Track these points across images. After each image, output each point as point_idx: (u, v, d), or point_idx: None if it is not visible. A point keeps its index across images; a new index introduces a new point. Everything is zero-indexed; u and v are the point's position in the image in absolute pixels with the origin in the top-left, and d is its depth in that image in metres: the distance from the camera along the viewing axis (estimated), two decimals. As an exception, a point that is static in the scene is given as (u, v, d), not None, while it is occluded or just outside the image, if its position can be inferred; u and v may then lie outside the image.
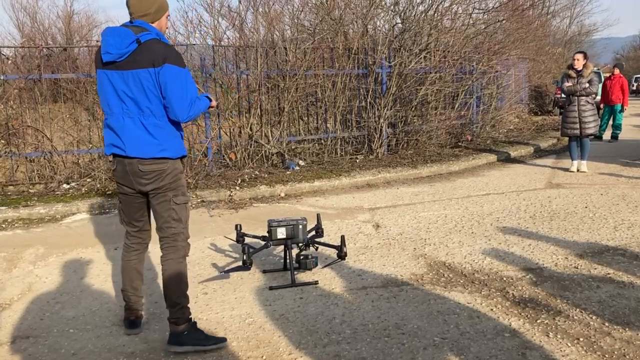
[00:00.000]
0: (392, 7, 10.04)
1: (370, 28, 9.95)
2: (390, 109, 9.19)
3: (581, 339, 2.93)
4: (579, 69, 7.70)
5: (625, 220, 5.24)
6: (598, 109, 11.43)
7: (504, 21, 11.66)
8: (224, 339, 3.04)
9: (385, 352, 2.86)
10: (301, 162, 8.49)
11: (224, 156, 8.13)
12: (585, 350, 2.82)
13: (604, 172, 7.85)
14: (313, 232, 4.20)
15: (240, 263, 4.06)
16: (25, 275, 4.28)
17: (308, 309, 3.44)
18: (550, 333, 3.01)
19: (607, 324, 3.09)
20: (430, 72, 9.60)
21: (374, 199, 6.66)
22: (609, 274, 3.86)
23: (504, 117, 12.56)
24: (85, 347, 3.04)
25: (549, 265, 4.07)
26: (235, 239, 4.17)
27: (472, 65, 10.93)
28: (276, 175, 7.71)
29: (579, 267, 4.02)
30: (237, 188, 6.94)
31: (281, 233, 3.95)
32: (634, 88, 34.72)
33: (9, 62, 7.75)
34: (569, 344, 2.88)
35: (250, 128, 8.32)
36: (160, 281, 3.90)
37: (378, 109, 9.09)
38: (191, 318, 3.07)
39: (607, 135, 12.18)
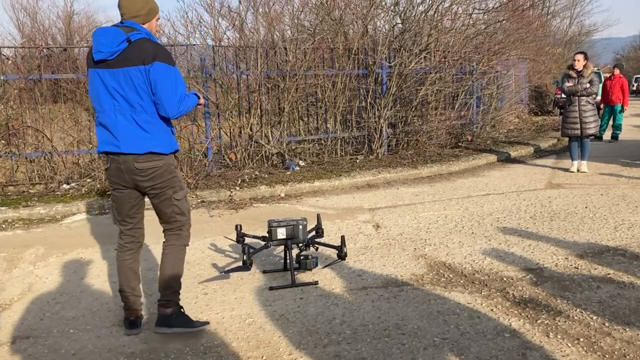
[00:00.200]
0: (392, 7, 10.04)
1: (370, 28, 9.96)
2: (391, 109, 9.19)
3: (581, 339, 2.93)
4: (579, 70, 7.70)
5: (626, 220, 5.24)
6: (598, 109, 11.43)
7: (504, 21, 11.66)
8: (207, 322, 3.27)
9: (386, 352, 2.86)
10: (301, 163, 8.49)
11: (224, 156, 8.13)
12: (586, 350, 2.81)
13: (604, 173, 7.85)
14: (313, 233, 4.20)
15: (240, 263, 4.06)
16: (26, 276, 4.28)
17: (308, 309, 3.44)
18: (551, 333, 3.01)
19: (607, 324, 3.09)
20: (431, 73, 9.60)
21: (374, 199, 6.66)
22: (609, 274, 3.86)
23: (504, 118, 12.56)
24: (85, 348, 3.04)
25: (549, 266, 4.07)
26: (235, 239, 4.16)
27: (472, 66, 10.93)
28: (276, 175, 7.71)
29: (579, 267, 4.02)
30: (237, 188, 6.94)
31: (281, 233, 3.95)
32: (634, 88, 34.74)
33: (9, 62, 7.75)
34: (569, 344, 2.88)
35: (251, 128, 8.32)
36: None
37: (378, 109, 9.09)
38: (180, 306, 3.20)
39: (607, 135, 12.18)
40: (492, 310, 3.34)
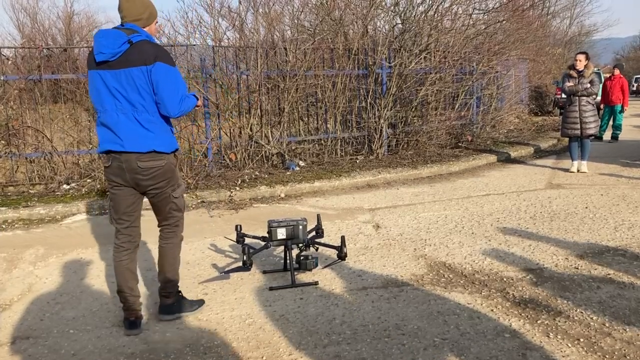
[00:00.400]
0: (392, 7, 10.04)
1: (370, 28, 9.96)
2: (391, 110, 9.19)
3: (581, 340, 2.93)
4: (580, 70, 7.70)
5: (626, 220, 5.24)
6: (598, 109, 11.44)
7: (504, 22, 11.66)
8: (203, 301, 3.53)
9: (386, 352, 2.86)
10: (301, 163, 8.49)
11: (224, 157, 8.13)
12: (586, 350, 2.81)
13: (604, 173, 7.85)
14: (313, 233, 4.20)
15: (240, 263, 4.06)
16: (25, 276, 4.28)
17: (308, 310, 3.44)
18: (551, 333, 3.01)
19: (607, 325, 3.09)
20: (431, 73, 9.60)
21: (374, 199, 6.66)
22: (609, 274, 3.86)
23: (504, 118, 12.56)
24: (85, 348, 3.04)
25: (550, 266, 4.07)
26: (235, 240, 4.16)
27: (472, 66, 10.93)
28: (276, 175, 7.71)
29: (579, 267, 4.02)
30: (237, 188, 6.94)
31: (281, 233, 3.95)
32: (634, 88, 34.75)
33: (9, 62, 7.75)
34: (570, 345, 2.88)
35: (251, 128, 8.32)
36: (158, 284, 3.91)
37: (378, 110, 9.09)
38: (179, 291, 3.41)
39: (607, 135, 12.18)
40: (492, 310, 3.34)
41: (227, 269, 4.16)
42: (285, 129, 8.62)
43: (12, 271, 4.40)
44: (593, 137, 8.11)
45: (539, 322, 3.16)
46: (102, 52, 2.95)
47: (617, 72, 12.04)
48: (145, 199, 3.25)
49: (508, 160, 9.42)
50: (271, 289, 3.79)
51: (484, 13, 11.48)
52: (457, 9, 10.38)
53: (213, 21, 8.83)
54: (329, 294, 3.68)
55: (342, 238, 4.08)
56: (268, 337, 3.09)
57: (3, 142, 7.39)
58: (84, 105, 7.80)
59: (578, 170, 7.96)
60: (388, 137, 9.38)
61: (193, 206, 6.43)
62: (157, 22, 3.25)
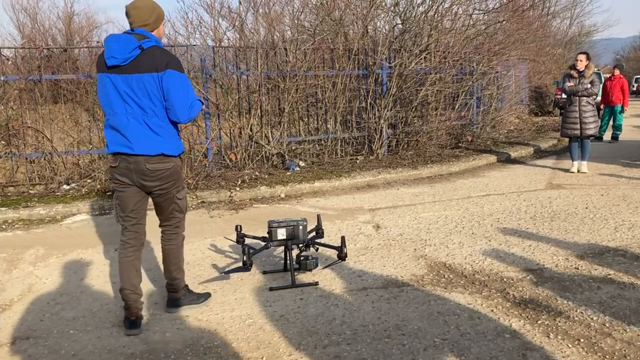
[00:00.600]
0: (392, 8, 10.04)
1: (370, 29, 9.96)
2: (391, 110, 9.19)
3: (582, 340, 2.93)
4: (581, 70, 7.70)
5: (626, 221, 5.24)
6: (598, 109, 11.43)
7: (504, 22, 11.66)
8: (209, 294, 3.64)
9: (386, 353, 2.85)
10: (301, 163, 8.49)
11: (224, 157, 8.13)
12: (586, 351, 2.81)
13: (605, 173, 7.85)
14: (313, 233, 4.20)
15: (240, 264, 4.06)
16: (26, 276, 4.28)
17: (308, 310, 3.44)
18: (551, 334, 3.01)
19: (607, 325, 3.09)
20: (431, 73, 9.60)
21: (374, 199, 6.66)
22: (609, 274, 3.86)
23: (504, 118, 12.56)
24: (85, 348, 3.04)
25: (550, 266, 4.07)
26: (235, 240, 4.16)
27: (473, 66, 10.93)
28: (276, 176, 7.71)
29: (579, 267, 4.02)
30: (237, 189, 6.93)
31: (281, 234, 3.95)
32: (634, 89, 34.76)
33: (10, 63, 7.75)
34: (570, 345, 2.88)
35: (251, 129, 8.32)
36: (160, 283, 3.92)
37: (378, 110, 9.09)
38: (186, 285, 3.54)
39: (607, 136, 12.18)
40: (492, 310, 3.33)
41: (227, 270, 4.16)
42: (285, 129, 8.62)
43: (12, 271, 4.40)
44: (593, 137, 8.11)
45: (539, 322, 3.16)
46: (114, 57, 3.02)
47: (617, 72, 12.04)
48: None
49: (508, 160, 9.42)
50: (271, 289, 3.79)
51: (484, 13, 11.49)
52: (457, 9, 10.39)
53: (213, 21, 8.85)
54: (329, 295, 3.68)
55: (342, 238, 4.08)
56: (268, 337, 3.09)
57: (3, 142, 7.39)
58: (84, 105, 7.80)
59: (578, 171, 7.96)
60: (388, 138, 9.38)
61: (193, 206, 6.43)
62: (164, 23, 3.34)
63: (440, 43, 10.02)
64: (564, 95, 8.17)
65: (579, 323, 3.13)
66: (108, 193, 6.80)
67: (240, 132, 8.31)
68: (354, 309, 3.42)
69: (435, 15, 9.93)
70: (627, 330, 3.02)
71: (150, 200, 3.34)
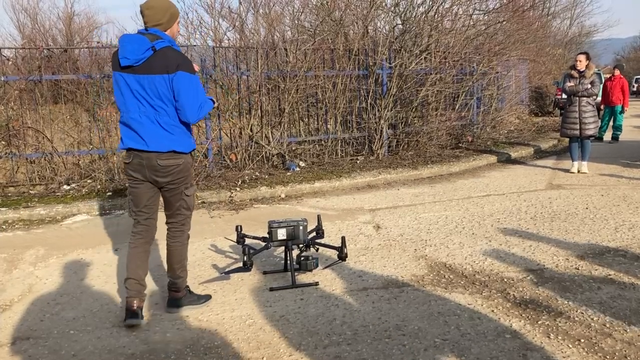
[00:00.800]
0: (392, 8, 10.04)
1: (370, 29, 9.96)
2: (391, 110, 9.19)
3: (582, 340, 2.92)
4: (581, 70, 7.69)
5: (626, 221, 5.24)
6: (598, 110, 11.43)
7: (504, 22, 11.66)
8: (209, 296, 3.64)
9: (386, 353, 2.85)
10: (301, 163, 8.49)
11: (224, 157, 8.13)
12: (587, 351, 2.81)
13: (605, 173, 7.84)
14: (313, 233, 4.20)
15: (240, 264, 4.06)
16: (26, 277, 4.28)
17: (308, 310, 3.44)
18: (551, 334, 3.01)
19: (608, 325, 3.09)
20: (431, 73, 9.60)
21: (374, 200, 6.65)
22: (610, 275, 3.86)
23: (505, 118, 12.56)
24: (85, 349, 3.04)
25: (550, 266, 4.06)
26: (235, 240, 4.16)
27: (473, 66, 10.93)
28: (276, 176, 7.71)
29: (579, 268, 4.02)
30: (238, 189, 6.93)
31: (282, 234, 3.95)
32: (635, 89, 34.75)
33: (10, 63, 7.75)
34: (570, 345, 2.87)
35: (251, 129, 8.32)
36: (161, 283, 3.92)
37: (378, 110, 9.09)
38: (187, 285, 3.55)
39: (607, 136, 12.17)
40: (492, 311, 3.33)
41: (227, 270, 4.16)
42: (285, 130, 8.62)
43: (13, 272, 4.40)
44: (593, 137, 8.11)
45: (539, 322, 3.16)
46: (127, 58, 3.11)
47: (617, 72, 12.04)
48: None
49: (508, 160, 9.42)
50: (271, 289, 3.79)
51: (484, 14, 11.49)
52: (458, 9, 10.39)
53: (213, 22, 8.85)
54: (329, 295, 3.68)
55: (343, 239, 4.08)
56: (268, 337, 3.09)
57: (3, 142, 7.39)
58: (84, 105, 7.80)
59: (578, 171, 7.96)
60: (388, 138, 9.38)
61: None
62: (178, 22, 3.39)
63: (441, 43, 10.03)
64: (564, 96, 8.17)
65: (579, 323, 3.13)
66: (108, 193, 6.80)
67: (241, 133, 8.31)
68: (354, 309, 3.42)
69: (436, 15, 9.93)
70: (628, 330, 3.02)
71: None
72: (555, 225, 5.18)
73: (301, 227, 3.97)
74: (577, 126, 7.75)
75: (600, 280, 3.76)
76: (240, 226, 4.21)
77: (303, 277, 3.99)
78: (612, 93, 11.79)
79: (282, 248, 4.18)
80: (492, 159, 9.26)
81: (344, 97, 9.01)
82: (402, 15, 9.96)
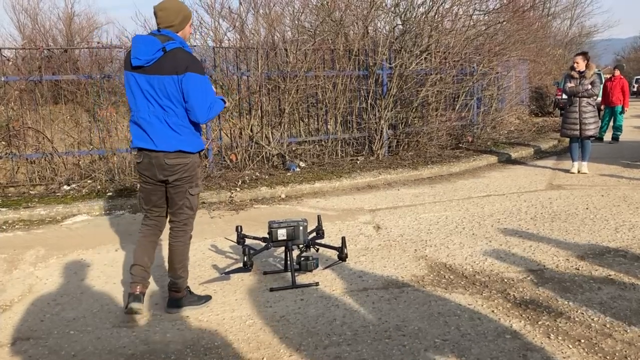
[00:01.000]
0: (392, 8, 10.04)
1: (370, 29, 9.96)
2: (391, 110, 9.19)
3: (582, 341, 2.92)
4: (581, 70, 7.69)
5: (627, 221, 5.24)
6: (598, 110, 11.43)
7: (504, 22, 11.67)
8: (210, 297, 3.64)
9: (386, 353, 2.85)
10: (302, 164, 8.49)
11: (224, 157, 8.13)
12: (587, 352, 2.81)
13: (605, 174, 7.84)
14: (314, 234, 4.20)
15: (240, 264, 4.06)
16: (26, 277, 4.28)
17: (309, 311, 3.44)
18: (552, 334, 3.00)
19: (608, 326, 3.08)
20: (431, 74, 9.60)
21: (374, 200, 6.65)
22: (610, 275, 3.86)
23: (505, 119, 12.56)
24: (85, 349, 3.04)
25: (550, 267, 4.06)
26: (235, 241, 4.16)
27: (473, 67, 10.93)
28: (277, 176, 7.71)
29: (580, 268, 4.02)
30: (238, 189, 6.93)
31: (282, 234, 3.95)
32: (635, 89, 34.75)
33: (10, 63, 7.75)
34: (570, 346, 2.87)
35: (251, 129, 8.32)
36: (161, 283, 3.92)
37: (379, 110, 9.09)
38: (188, 286, 3.56)
39: (607, 136, 12.17)
40: (493, 311, 3.33)
41: (227, 270, 4.16)
42: (285, 130, 8.62)
43: (13, 272, 4.40)
44: (593, 138, 8.11)
45: (539, 323, 3.16)
46: (138, 58, 3.18)
47: (617, 73, 12.04)
48: None
49: (508, 161, 9.42)
50: (272, 290, 3.79)
51: (485, 14, 11.49)
52: (458, 10, 10.39)
53: (214, 22, 8.86)
54: (329, 295, 3.68)
55: (343, 239, 4.08)
56: (268, 338, 3.09)
57: (4, 143, 7.39)
58: (84, 106, 7.80)
59: (578, 171, 7.96)
60: (388, 138, 9.38)
61: (193, 207, 6.43)
62: (191, 24, 3.46)
63: (441, 44, 10.02)
64: (564, 96, 8.17)
65: (579, 324, 3.13)
66: (108, 193, 6.80)
67: (241, 133, 8.31)
68: (354, 310, 3.42)
69: (436, 16, 9.93)
70: (628, 331, 3.02)
71: None
72: (556, 226, 5.18)
73: (301, 228, 3.97)
74: (578, 126, 7.75)
75: (601, 281, 3.75)
76: (241, 226, 4.21)
77: (303, 278, 3.99)
78: (612, 93, 11.78)
79: (282, 248, 4.18)
80: (493, 159, 9.26)
81: (344, 98, 9.01)
82: (402, 15, 9.96)
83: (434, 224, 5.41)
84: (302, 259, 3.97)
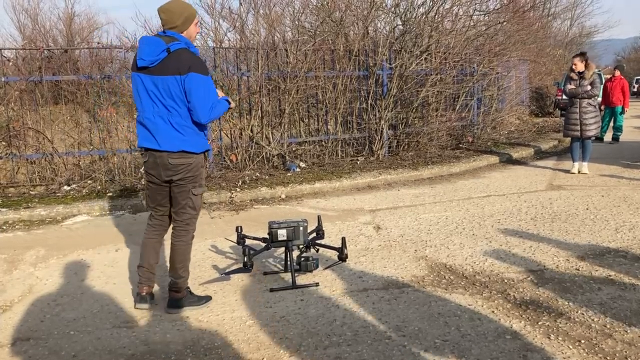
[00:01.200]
0: (392, 9, 10.04)
1: (371, 30, 9.96)
2: (391, 111, 9.18)
3: (583, 341, 2.92)
4: (580, 71, 7.68)
5: (627, 222, 5.24)
6: (599, 110, 11.41)
7: (504, 23, 11.67)
8: (210, 297, 3.65)
9: (386, 354, 2.85)
10: (302, 164, 8.49)
11: (224, 158, 8.13)
12: (587, 352, 2.81)
13: (605, 174, 7.84)
14: (314, 234, 4.20)
15: (241, 265, 4.06)
16: (26, 277, 4.28)
17: (309, 311, 3.43)
18: (552, 335, 3.00)
19: (608, 326, 3.08)
20: (431, 74, 9.60)
21: (374, 200, 6.65)
22: (610, 275, 3.86)
23: (505, 119, 12.55)
24: (85, 349, 3.04)
25: (551, 267, 4.06)
26: (236, 241, 4.16)
27: (473, 67, 10.93)
28: (277, 176, 7.71)
29: (580, 269, 4.02)
30: (238, 190, 6.93)
31: (282, 235, 3.94)
32: (635, 90, 34.74)
33: (10, 64, 7.75)
34: (571, 346, 2.87)
35: (251, 130, 8.32)
36: (162, 284, 3.92)
37: (379, 111, 9.09)
38: (188, 287, 3.56)
39: (608, 137, 12.17)
40: (493, 312, 3.33)
41: (227, 270, 4.15)
42: (285, 130, 8.62)
43: (13, 272, 4.40)
44: (594, 138, 8.10)
45: (540, 323, 3.15)
46: (143, 59, 3.25)
47: (617, 73, 12.03)
48: None
49: (509, 161, 9.41)
50: (272, 290, 3.79)
51: (485, 14, 11.49)
52: (458, 10, 10.40)
53: (214, 22, 8.86)
54: (329, 296, 3.68)
55: (343, 239, 4.08)
56: (269, 338, 3.09)
57: (4, 143, 7.39)
58: (84, 106, 7.80)
59: (579, 172, 7.95)
60: (389, 138, 9.38)
61: (194, 207, 6.43)
62: (197, 23, 3.48)
63: (441, 44, 10.02)
64: (564, 96, 8.16)
65: (579, 324, 3.12)
66: (109, 194, 6.80)
67: (241, 133, 8.31)
68: (354, 310, 3.42)
69: (436, 16, 9.94)
70: (628, 331, 3.02)
71: None
72: (556, 226, 5.17)
73: (301, 228, 3.96)
74: (578, 127, 7.75)
75: (601, 281, 3.75)
76: (241, 227, 4.21)
77: (303, 278, 3.99)
78: (612, 94, 11.78)
79: (283, 249, 4.18)
80: (493, 159, 9.25)
81: (345, 98, 9.01)
82: (403, 16, 9.96)
83: (434, 224, 5.41)
84: (302, 259, 3.97)
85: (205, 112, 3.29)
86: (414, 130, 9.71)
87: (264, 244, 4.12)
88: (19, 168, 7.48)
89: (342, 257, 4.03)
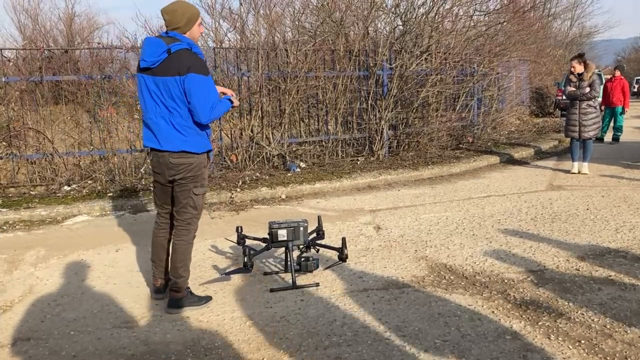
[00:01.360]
0: (393, 9, 10.05)
1: (371, 30, 9.96)
2: (391, 111, 9.19)
3: (583, 342, 2.92)
4: (579, 73, 7.67)
5: (627, 222, 5.24)
6: (599, 111, 11.41)
7: (505, 23, 11.67)
8: (210, 297, 3.66)
9: (386, 354, 2.85)
10: (302, 164, 8.49)
11: (224, 158, 8.13)
12: (587, 352, 2.81)
13: (605, 174, 7.84)
14: (314, 234, 4.20)
15: (241, 265, 4.06)
16: (26, 277, 4.28)
17: (309, 311, 3.44)
18: (552, 335, 3.00)
19: (608, 327, 3.08)
20: (431, 74, 9.60)
21: (375, 200, 6.65)
22: (610, 276, 3.86)
23: (505, 119, 12.55)
24: (86, 349, 3.04)
25: (551, 267, 4.06)
26: (236, 241, 4.17)
27: (473, 67, 10.93)
28: (277, 177, 7.71)
29: (580, 269, 4.02)
30: (238, 190, 6.94)
31: (282, 235, 3.95)
32: (635, 90, 34.74)
33: (11, 64, 7.76)
34: (571, 347, 2.87)
35: (251, 130, 8.32)
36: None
37: (379, 111, 9.09)
38: (188, 287, 3.58)
39: (608, 137, 12.17)
40: (493, 312, 3.33)
41: (227, 271, 4.16)
42: (286, 131, 8.62)
43: (13, 272, 4.40)
44: (594, 138, 8.09)
45: (540, 323, 3.15)
46: (145, 60, 3.30)
47: (617, 73, 12.03)
48: None
49: (509, 161, 9.41)
50: (272, 290, 3.79)
51: (485, 14, 11.49)
52: (458, 10, 10.40)
53: (214, 23, 8.86)
54: (329, 296, 3.68)
55: (343, 239, 4.08)
56: (269, 338, 3.09)
57: (4, 143, 7.39)
58: (85, 106, 7.81)
59: (579, 172, 7.95)
60: (389, 139, 9.38)
61: (194, 207, 6.43)
62: (200, 23, 3.52)
63: (441, 44, 10.02)
64: (564, 97, 8.16)
65: (579, 324, 3.13)
66: (109, 194, 6.80)
67: (241, 133, 8.31)
68: (354, 310, 3.42)
69: (436, 16, 9.94)
70: (628, 331, 3.02)
71: None
72: (556, 226, 5.17)
73: (302, 228, 3.97)
74: (577, 128, 7.76)
75: (601, 282, 3.75)
76: (241, 227, 4.21)
77: (303, 278, 3.99)
78: (612, 94, 11.78)
79: (283, 249, 4.18)
80: (493, 159, 9.25)
81: (345, 98, 9.01)
82: (403, 16, 9.96)
83: (435, 224, 5.41)
84: (303, 259, 3.97)
85: (205, 113, 3.31)
86: (414, 131, 9.71)
87: (264, 244, 4.13)
88: (19, 168, 7.49)
89: (342, 258, 4.03)
